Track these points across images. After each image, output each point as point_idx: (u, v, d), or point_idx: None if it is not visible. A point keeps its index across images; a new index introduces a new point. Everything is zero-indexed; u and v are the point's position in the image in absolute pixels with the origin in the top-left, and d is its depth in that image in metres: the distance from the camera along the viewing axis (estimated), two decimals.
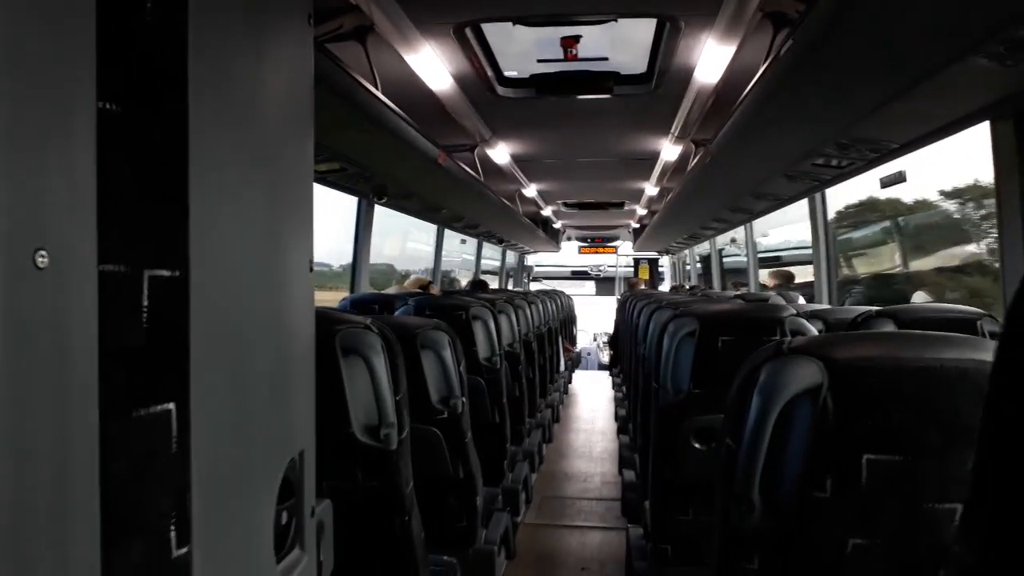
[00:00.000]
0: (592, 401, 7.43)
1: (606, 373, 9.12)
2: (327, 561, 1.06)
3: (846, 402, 0.93)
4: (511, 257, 11.82)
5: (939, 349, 0.93)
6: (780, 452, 0.96)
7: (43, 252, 0.47)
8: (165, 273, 0.60)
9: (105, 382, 0.55)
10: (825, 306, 3.61)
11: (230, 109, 0.70)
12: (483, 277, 8.80)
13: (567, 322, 8.46)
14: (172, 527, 0.60)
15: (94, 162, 0.54)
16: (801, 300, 4.12)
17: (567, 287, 11.36)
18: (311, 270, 0.92)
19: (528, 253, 12.55)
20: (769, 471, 0.97)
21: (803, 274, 5.34)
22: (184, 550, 0.62)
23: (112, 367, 0.55)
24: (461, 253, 9.18)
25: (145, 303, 0.58)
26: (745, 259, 6.56)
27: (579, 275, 13.96)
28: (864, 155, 2.51)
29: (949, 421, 0.89)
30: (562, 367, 6.93)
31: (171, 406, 0.60)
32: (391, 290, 4.65)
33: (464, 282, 8.72)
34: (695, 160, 3.88)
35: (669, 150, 4.49)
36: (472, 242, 8.77)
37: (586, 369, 10.85)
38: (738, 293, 4.96)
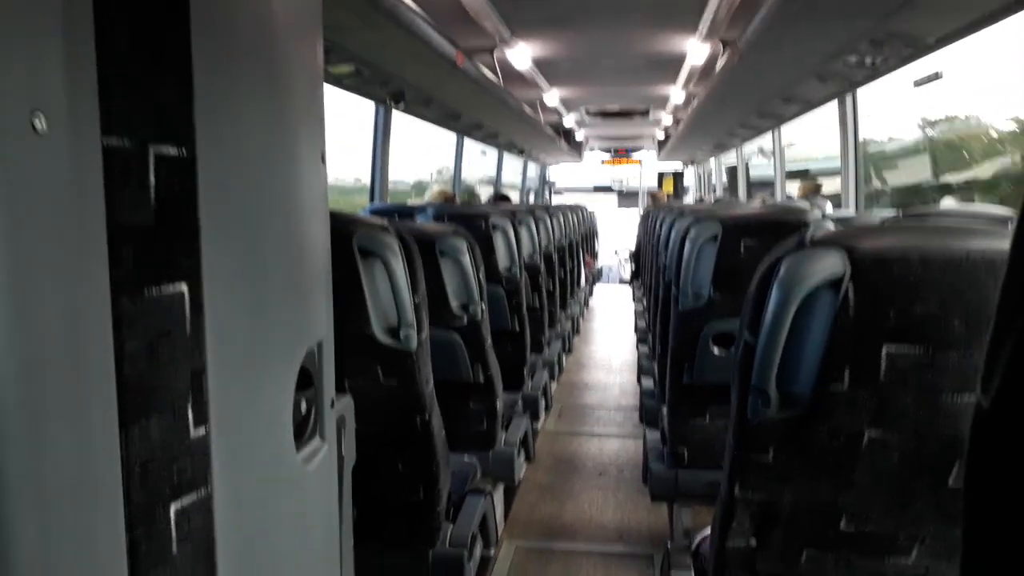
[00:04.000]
0: (613, 314, 7.48)
1: (627, 287, 9.14)
2: (348, 455, 1.08)
3: (868, 293, 0.91)
4: (532, 170, 11.66)
5: (966, 240, 0.90)
6: (799, 345, 0.95)
7: (39, 114, 0.46)
8: (172, 151, 0.59)
9: (115, 261, 0.54)
10: (851, 212, 3.54)
11: None
12: (505, 191, 8.72)
13: (588, 236, 8.41)
14: (189, 407, 0.61)
15: (92, 33, 0.52)
16: (829, 207, 4.04)
17: (589, 201, 11.25)
18: (323, 162, 0.91)
19: (550, 165, 12.36)
20: (787, 364, 0.96)
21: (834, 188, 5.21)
22: (202, 430, 0.63)
23: (121, 245, 0.55)
24: (483, 168, 9.06)
25: (152, 180, 0.57)
26: (772, 171, 6.40)
27: (602, 189, 13.78)
28: (898, 51, 2.39)
29: (974, 312, 0.87)
30: (583, 281, 6.93)
31: (183, 287, 0.60)
32: (413, 201, 4.62)
33: (484, 198, 8.66)
34: (723, 61, 3.73)
35: (696, 50, 4.31)
36: (493, 156, 8.65)
37: (607, 283, 10.87)
38: (763, 203, 4.87)
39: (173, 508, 0.60)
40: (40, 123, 0.46)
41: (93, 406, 0.53)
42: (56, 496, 0.49)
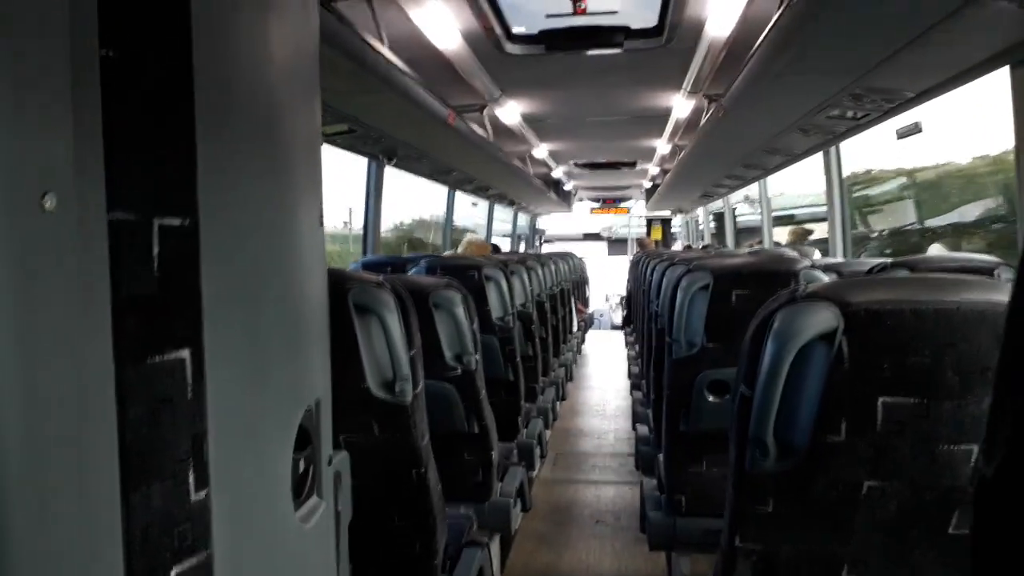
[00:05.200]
0: (606, 360, 7.47)
1: (619, 333, 9.14)
2: (345, 511, 1.08)
3: (862, 346, 0.92)
4: (523, 220, 11.77)
5: (956, 292, 0.92)
6: (795, 397, 0.96)
7: (50, 196, 0.47)
8: (175, 222, 0.60)
9: (118, 330, 0.55)
10: (840, 259, 3.59)
11: (235, 63, 0.70)
12: (495, 241, 8.78)
13: (580, 283, 8.46)
14: (190, 471, 0.62)
15: (99, 111, 0.54)
16: (817, 255, 4.09)
17: (579, 249, 11.33)
18: (321, 224, 0.93)
19: (540, 215, 12.49)
20: (783, 416, 0.97)
21: (821, 232, 5.28)
22: (203, 494, 0.63)
23: (124, 315, 0.56)
24: (472, 217, 9.15)
25: (156, 251, 0.58)
26: (759, 217, 6.49)
27: (591, 236, 13.90)
28: (879, 105, 2.46)
29: (967, 363, 0.89)
30: (575, 328, 6.94)
31: (185, 353, 0.61)
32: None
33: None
34: (707, 115, 3.82)
35: (681, 106, 4.42)
36: (483, 206, 8.74)
37: (599, 329, 10.88)
38: (752, 250, 4.92)
39: (174, 573, 0.60)
40: (50, 202, 0.48)
41: (95, 474, 0.53)
42: (57, 563, 0.49)
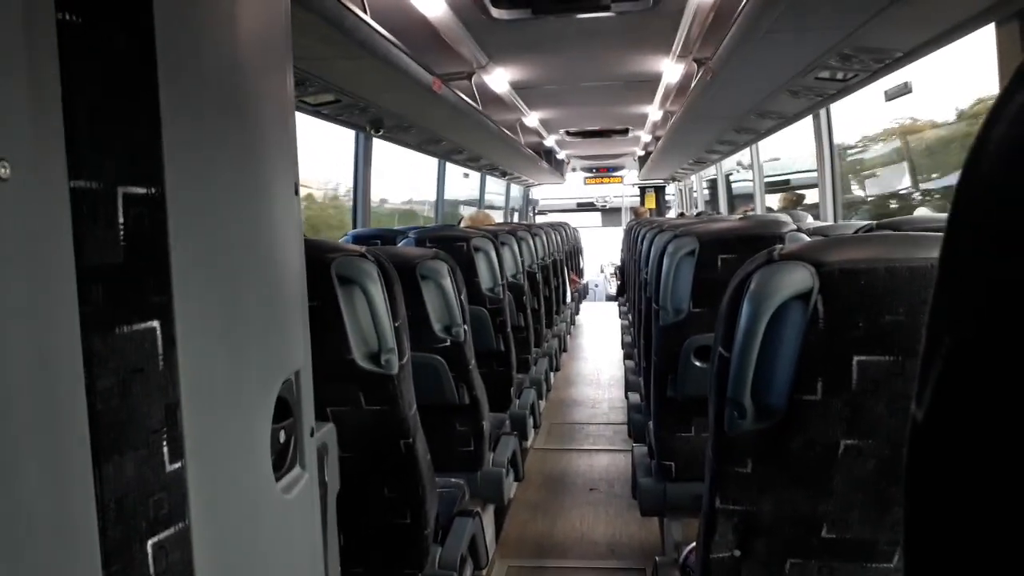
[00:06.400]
0: (600, 331, 7.50)
1: (614, 304, 9.16)
2: (332, 482, 1.09)
3: (836, 305, 0.93)
4: (515, 191, 11.72)
5: (930, 249, 0.92)
6: (771, 358, 0.97)
7: (4, 163, 0.47)
8: (140, 190, 0.59)
9: (85, 300, 0.55)
10: (829, 223, 3.59)
11: (200, 25, 0.69)
12: (488, 212, 8.73)
13: (573, 254, 8.45)
14: (164, 441, 0.62)
15: (57, 76, 0.53)
16: (809, 219, 4.09)
17: (573, 219, 11.30)
18: (296, 192, 0.92)
19: (532, 186, 12.44)
20: (761, 376, 0.98)
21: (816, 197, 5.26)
22: (178, 464, 0.63)
23: (90, 285, 0.55)
24: (465, 190, 9.11)
25: (121, 220, 0.58)
26: (751, 183, 6.48)
27: (585, 207, 13.86)
28: (867, 65, 2.44)
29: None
30: (568, 298, 6.97)
31: (155, 323, 0.61)
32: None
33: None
34: (697, 79, 3.79)
35: (671, 70, 4.37)
36: (475, 178, 8.69)
37: (594, 300, 10.90)
38: (742, 216, 4.91)
39: (150, 543, 0.61)
40: (4, 170, 0.47)
41: (65, 444, 0.53)
42: (30, 534, 0.50)
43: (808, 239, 1.81)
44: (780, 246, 1.01)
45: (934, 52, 2.26)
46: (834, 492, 1.00)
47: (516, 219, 11.64)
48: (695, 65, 4.10)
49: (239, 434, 0.75)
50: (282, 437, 0.87)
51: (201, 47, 0.69)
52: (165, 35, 0.61)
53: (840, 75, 2.67)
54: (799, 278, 0.93)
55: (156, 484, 0.61)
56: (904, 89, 2.79)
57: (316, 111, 3.17)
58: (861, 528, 1.02)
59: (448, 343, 2.08)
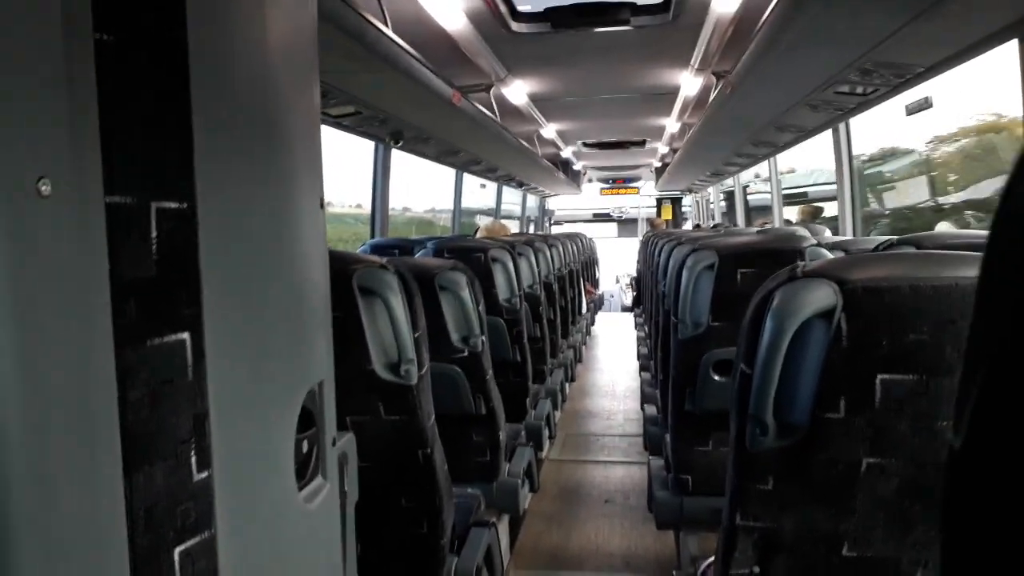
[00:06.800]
0: (615, 341, 7.48)
1: (629, 315, 9.13)
2: (351, 492, 1.09)
3: (860, 323, 0.92)
4: (531, 201, 11.73)
5: (955, 268, 0.91)
6: (794, 375, 0.97)
7: (46, 180, 0.48)
8: (173, 205, 0.61)
9: (118, 313, 0.56)
10: (848, 237, 3.56)
11: (232, 43, 0.70)
12: (504, 222, 8.75)
13: (589, 264, 8.44)
14: (192, 451, 0.63)
15: (95, 94, 0.54)
16: (827, 233, 4.06)
17: (589, 229, 11.29)
18: (322, 207, 0.93)
19: (548, 196, 12.45)
20: (783, 393, 0.97)
21: (834, 211, 5.23)
22: (205, 474, 0.64)
23: (124, 298, 0.56)
24: (483, 200, 9.14)
25: (154, 234, 0.59)
26: (770, 195, 6.45)
27: (601, 217, 13.85)
28: (888, 80, 2.43)
29: (965, 339, 0.88)
30: (584, 309, 6.95)
31: (185, 335, 0.62)
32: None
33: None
34: (716, 92, 3.78)
35: (689, 83, 4.37)
36: (492, 188, 8.71)
37: (609, 311, 10.87)
38: (761, 229, 4.89)
39: (177, 551, 0.62)
40: (46, 187, 0.48)
41: (97, 454, 0.54)
42: (61, 543, 0.51)
43: (827, 253, 1.80)
44: (803, 263, 1.01)
45: (956, 67, 2.25)
46: (856, 510, 0.99)
47: (532, 229, 11.65)
48: (714, 78, 4.10)
49: (264, 444, 0.75)
50: (304, 447, 0.88)
51: (232, 64, 0.70)
52: (198, 51, 0.62)
53: (860, 89, 2.66)
54: (822, 295, 0.93)
55: (184, 493, 0.62)
56: (925, 104, 2.77)
57: (337, 123, 3.20)
58: (883, 547, 1.01)
59: (466, 353, 2.09)
